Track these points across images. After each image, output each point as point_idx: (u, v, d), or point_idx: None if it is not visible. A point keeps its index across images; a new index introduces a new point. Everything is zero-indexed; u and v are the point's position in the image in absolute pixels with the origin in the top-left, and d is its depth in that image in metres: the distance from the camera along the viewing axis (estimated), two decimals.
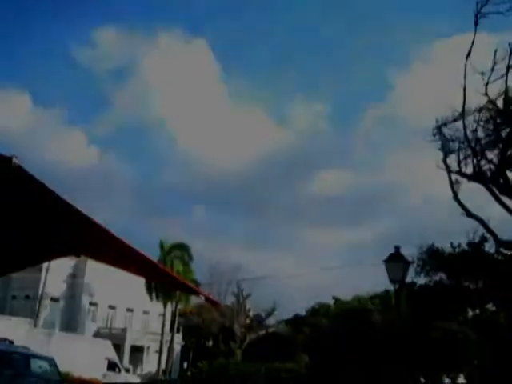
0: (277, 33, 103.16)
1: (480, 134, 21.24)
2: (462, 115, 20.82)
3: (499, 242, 21.09)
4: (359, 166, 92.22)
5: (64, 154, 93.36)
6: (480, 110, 20.83)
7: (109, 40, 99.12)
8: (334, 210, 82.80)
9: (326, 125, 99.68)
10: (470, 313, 28.64)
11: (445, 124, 21.31)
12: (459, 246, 22.51)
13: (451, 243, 22.64)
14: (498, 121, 20.85)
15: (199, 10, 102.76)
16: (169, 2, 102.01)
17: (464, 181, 21.43)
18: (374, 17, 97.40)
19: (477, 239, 22.06)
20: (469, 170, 21.48)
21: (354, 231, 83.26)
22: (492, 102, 20.86)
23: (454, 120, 21.07)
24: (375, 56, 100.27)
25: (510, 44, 20.02)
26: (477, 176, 21.22)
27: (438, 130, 21.41)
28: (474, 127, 21.03)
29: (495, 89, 20.77)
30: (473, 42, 20.52)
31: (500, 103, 21.01)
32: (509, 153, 21.14)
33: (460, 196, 21.52)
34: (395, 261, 14.24)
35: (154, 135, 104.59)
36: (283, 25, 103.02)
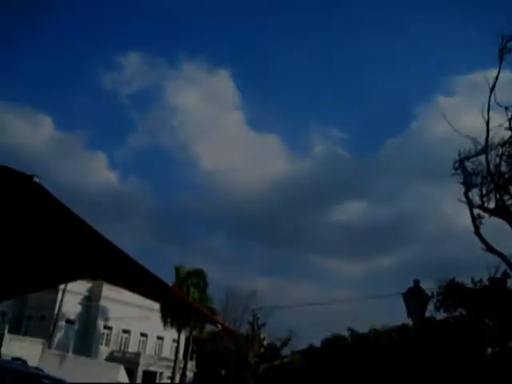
0: (297, 62, 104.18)
1: (503, 168, 21.01)
2: (486, 149, 20.61)
3: None
4: (379, 196, 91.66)
5: (84, 177, 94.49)
6: (503, 144, 20.62)
7: (133, 65, 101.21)
8: (353, 239, 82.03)
9: (345, 154, 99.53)
10: (489, 349, 27.88)
11: (467, 158, 21.12)
12: (480, 281, 22.07)
13: (472, 278, 22.21)
14: None
15: (222, 40, 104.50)
16: (193, 31, 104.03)
17: (486, 215, 21.10)
18: (397, 51, 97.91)
19: (498, 275, 21.59)
20: (492, 204, 21.15)
21: (372, 261, 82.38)
22: None
23: (477, 154, 20.87)
24: (398, 86, 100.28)
25: None
26: (499, 211, 20.88)
27: (461, 163, 21.20)
28: (498, 162, 20.81)
29: None
30: (497, 77, 20.47)
31: None
32: None
33: (482, 230, 21.17)
34: (414, 295, 13.97)
35: (175, 160, 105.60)
36: (302, 54, 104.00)
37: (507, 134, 20.60)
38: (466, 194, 21.18)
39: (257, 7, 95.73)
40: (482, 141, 20.59)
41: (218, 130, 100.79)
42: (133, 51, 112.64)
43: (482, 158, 20.83)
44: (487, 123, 20.45)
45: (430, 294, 22.24)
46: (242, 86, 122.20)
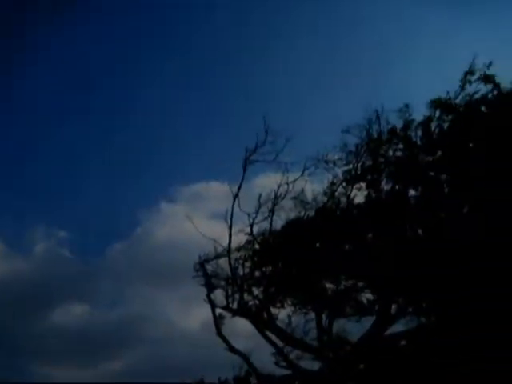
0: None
1: (246, 270, 22.17)
2: (228, 252, 21.61)
3: (259, 377, 21.45)
4: (103, 299, 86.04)
5: None
6: (243, 248, 21.85)
7: None
8: (76, 344, 75.17)
9: (69, 255, 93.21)
10: None
11: (207, 260, 22.01)
12: (226, 380, 22.62)
13: (218, 378, 22.73)
14: (256, 259, 21.96)
15: None
16: None
17: (229, 315, 21.90)
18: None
19: (243, 373, 22.30)
20: (236, 304, 22.05)
21: (98, 366, 75.70)
22: (256, 241, 22.09)
23: (219, 256, 21.85)
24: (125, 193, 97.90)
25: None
26: (242, 311, 21.79)
27: (201, 265, 22.04)
28: (240, 264, 21.94)
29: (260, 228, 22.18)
30: (240, 186, 21.76)
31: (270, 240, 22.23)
32: (271, 290, 22.16)
33: (229, 328, 21.97)
34: None
35: None
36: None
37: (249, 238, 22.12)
38: (208, 296, 21.90)
39: None
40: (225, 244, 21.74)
41: None
42: None
43: (225, 260, 21.90)
44: (230, 228, 21.60)
45: None
46: None
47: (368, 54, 47.58)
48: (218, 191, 23.77)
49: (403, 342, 19.34)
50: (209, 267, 21.98)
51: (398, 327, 19.71)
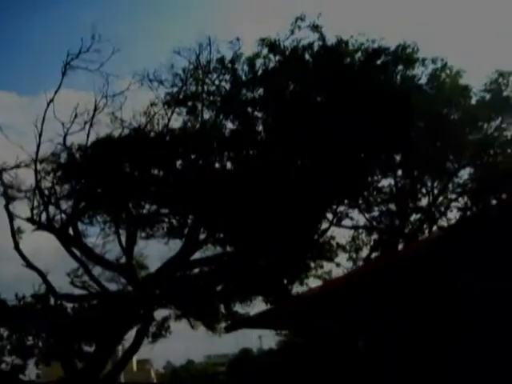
0: None
1: (54, 183, 20.91)
2: (35, 162, 20.16)
3: (58, 296, 20.90)
4: None
5: None
6: (50, 160, 20.46)
7: None
8: None
9: None
10: None
11: (4, 169, 20.40)
12: (24, 297, 21.64)
13: (16, 295, 21.64)
14: (65, 172, 20.82)
15: None
16: None
17: (31, 229, 20.71)
18: None
19: (42, 291, 21.49)
20: (43, 218, 20.87)
21: None
22: (68, 152, 20.89)
23: (20, 166, 20.38)
24: None
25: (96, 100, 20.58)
26: (48, 225, 20.73)
27: None
28: (44, 177, 20.63)
29: (74, 140, 20.96)
30: (57, 91, 20.16)
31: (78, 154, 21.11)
32: (81, 205, 21.31)
33: (33, 245, 20.85)
34: None
35: None
36: None
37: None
38: (6, 207, 20.44)
39: None
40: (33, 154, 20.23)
41: None
42: None
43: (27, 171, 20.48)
44: (40, 136, 20.01)
45: None
46: None
47: None
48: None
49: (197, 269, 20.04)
50: (7, 177, 20.41)
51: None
